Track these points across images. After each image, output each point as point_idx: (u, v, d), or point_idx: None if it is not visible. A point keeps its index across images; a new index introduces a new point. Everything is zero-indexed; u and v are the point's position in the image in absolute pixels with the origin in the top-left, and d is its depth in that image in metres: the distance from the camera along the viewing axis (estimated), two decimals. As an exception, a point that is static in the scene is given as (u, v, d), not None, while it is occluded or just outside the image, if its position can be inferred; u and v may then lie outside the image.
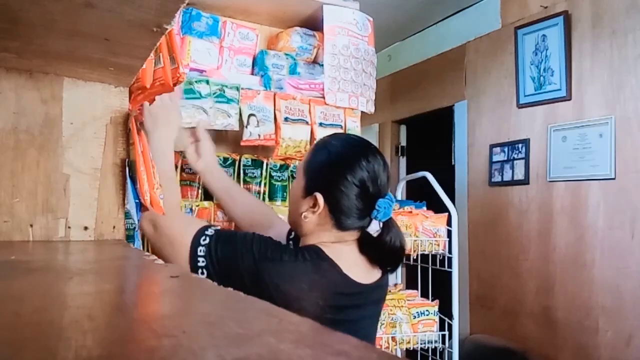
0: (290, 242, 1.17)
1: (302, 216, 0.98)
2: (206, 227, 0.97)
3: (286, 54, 1.63)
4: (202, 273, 0.91)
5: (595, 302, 2.16)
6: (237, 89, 1.46)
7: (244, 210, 1.32)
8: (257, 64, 1.61)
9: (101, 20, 0.64)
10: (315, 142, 1.06)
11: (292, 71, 1.64)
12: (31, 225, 0.88)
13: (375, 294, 1.03)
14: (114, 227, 0.97)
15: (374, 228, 1.02)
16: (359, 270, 0.98)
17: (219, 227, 1.00)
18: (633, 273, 2.03)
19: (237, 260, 0.92)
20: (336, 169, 0.96)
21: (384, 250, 0.99)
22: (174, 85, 0.92)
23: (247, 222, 1.29)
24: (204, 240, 0.93)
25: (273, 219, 1.31)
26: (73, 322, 0.35)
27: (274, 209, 1.56)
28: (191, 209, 1.41)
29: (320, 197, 0.96)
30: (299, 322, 0.34)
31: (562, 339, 2.30)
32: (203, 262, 0.91)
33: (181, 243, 0.93)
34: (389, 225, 1.00)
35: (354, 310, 0.98)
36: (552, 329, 2.35)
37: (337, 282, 0.94)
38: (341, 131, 1.63)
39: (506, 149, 2.67)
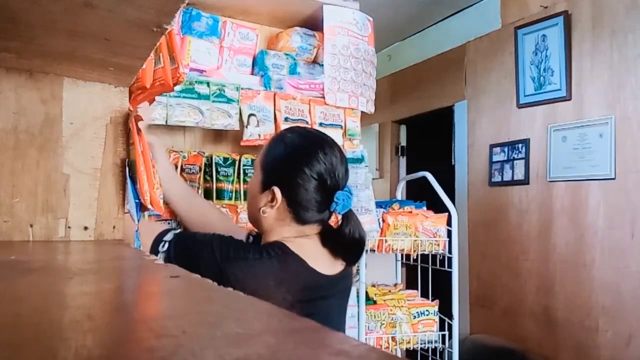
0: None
1: (261, 211, 0.98)
2: (164, 232, 0.97)
3: (286, 54, 1.63)
4: None
5: (595, 302, 2.16)
6: (237, 89, 1.46)
7: (199, 216, 1.26)
8: (257, 64, 1.61)
9: (101, 20, 0.64)
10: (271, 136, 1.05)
11: (292, 71, 1.64)
12: (31, 225, 0.88)
13: (341, 284, 1.04)
14: (114, 227, 0.97)
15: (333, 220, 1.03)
16: (322, 262, 0.98)
17: (179, 230, 0.99)
18: (633, 273, 2.03)
19: (199, 263, 0.92)
20: (293, 162, 0.96)
21: (344, 242, 0.99)
22: (174, 85, 0.92)
23: (202, 228, 1.23)
24: (162, 247, 0.94)
25: (229, 226, 1.27)
26: (73, 322, 0.35)
27: (274, 209, 1.56)
28: (191, 209, 1.42)
29: (277, 191, 0.96)
30: (298, 322, 0.34)
31: (562, 339, 2.30)
32: (163, 257, 0.91)
33: (144, 245, 0.95)
34: (348, 217, 0.99)
35: (321, 302, 0.98)
36: (552, 329, 2.35)
37: (304, 276, 0.94)
38: (341, 131, 1.63)
39: (506, 149, 2.67)
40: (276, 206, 0.97)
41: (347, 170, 1.01)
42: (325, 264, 0.98)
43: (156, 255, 0.92)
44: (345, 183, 1.00)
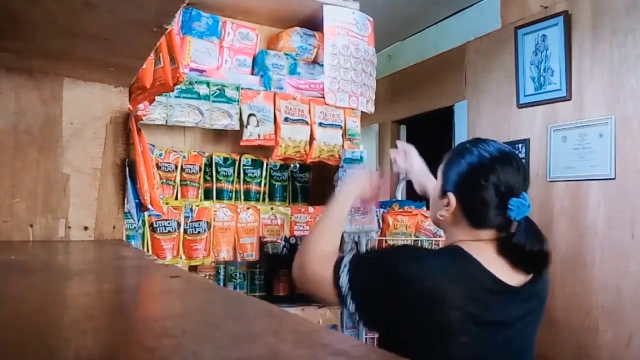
0: None
1: (438, 215, 1.05)
2: (342, 257, 1.00)
3: (286, 54, 1.63)
4: (347, 298, 0.94)
5: (595, 302, 2.16)
6: (237, 89, 1.46)
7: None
8: (257, 64, 1.61)
9: (101, 20, 0.64)
10: (454, 147, 1.12)
11: (292, 71, 1.64)
12: (31, 225, 0.88)
13: (527, 298, 0.99)
14: (114, 227, 0.97)
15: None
16: (500, 268, 0.97)
17: (352, 255, 1.01)
18: (633, 273, 2.03)
19: (378, 271, 0.95)
20: (469, 172, 1.01)
21: (518, 251, 0.98)
22: (174, 85, 0.92)
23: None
24: (344, 268, 0.96)
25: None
26: (73, 322, 0.35)
27: (274, 209, 1.56)
28: (191, 209, 1.42)
29: (452, 197, 1.02)
30: (299, 322, 0.34)
31: (562, 339, 2.30)
32: (347, 286, 0.94)
33: (324, 277, 0.97)
34: (521, 226, 0.99)
35: (501, 311, 0.95)
36: (552, 329, 2.34)
37: (477, 275, 0.94)
38: (341, 131, 1.63)
39: (506, 149, 2.67)
40: (451, 210, 1.02)
41: (525, 180, 1.03)
42: (503, 271, 0.96)
43: (338, 275, 0.97)
44: (523, 191, 1.00)
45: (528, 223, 0.99)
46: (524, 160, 2.56)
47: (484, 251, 0.98)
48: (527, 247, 0.97)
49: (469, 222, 1.01)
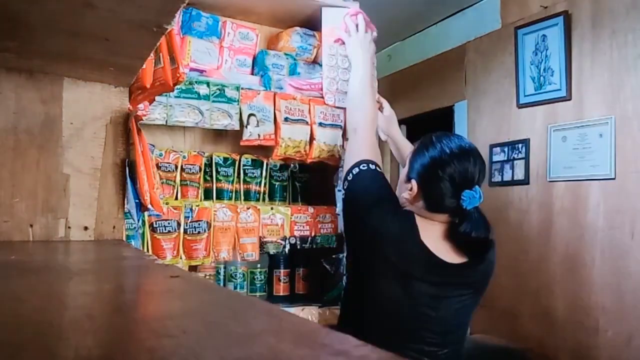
0: None
1: (402, 196, 1.24)
2: (361, 162, 1.27)
3: (286, 54, 1.62)
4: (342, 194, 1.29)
5: (595, 302, 2.16)
6: (237, 88, 1.46)
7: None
8: (257, 64, 1.61)
9: (101, 20, 0.64)
10: (421, 138, 1.30)
11: (292, 71, 1.64)
12: (31, 225, 0.88)
13: (459, 274, 1.16)
14: (114, 227, 0.97)
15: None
16: (437, 244, 1.15)
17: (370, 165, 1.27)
18: (633, 273, 2.03)
19: (361, 198, 1.23)
20: (431, 164, 1.18)
21: (459, 237, 1.15)
22: (174, 85, 0.92)
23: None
24: (355, 170, 1.26)
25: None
26: (73, 322, 0.35)
27: (274, 209, 1.56)
28: (191, 209, 1.42)
29: (414, 184, 1.20)
30: (299, 322, 0.34)
31: (562, 339, 2.30)
32: (345, 185, 1.26)
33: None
34: (466, 216, 1.15)
35: (419, 270, 1.14)
36: (552, 329, 2.34)
37: (410, 236, 1.15)
38: (341, 131, 1.63)
39: (506, 149, 2.67)
40: (413, 195, 1.21)
41: (480, 174, 1.18)
42: (441, 249, 1.14)
43: (348, 173, 1.29)
44: (477, 185, 1.17)
45: (477, 213, 1.16)
46: (524, 161, 2.56)
47: (429, 228, 1.17)
48: (472, 234, 1.14)
49: (426, 205, 1.19)
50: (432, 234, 1.16)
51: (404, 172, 1.28)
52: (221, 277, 1.63)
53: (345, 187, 1.28)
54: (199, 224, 1.42)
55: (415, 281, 1.13)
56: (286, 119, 1.52)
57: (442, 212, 1.18)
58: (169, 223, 1.37)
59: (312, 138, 1.56)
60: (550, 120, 2.43)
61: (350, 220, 1.28)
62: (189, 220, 1.41)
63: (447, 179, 1.15)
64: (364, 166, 1.26)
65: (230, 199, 1.58)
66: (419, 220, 1.16)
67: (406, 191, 1.22)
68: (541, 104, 2.47)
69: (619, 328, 2.06)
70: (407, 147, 1.63)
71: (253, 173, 1.62)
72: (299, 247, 1.58)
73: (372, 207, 1.19)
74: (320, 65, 1.66)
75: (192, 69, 1.44)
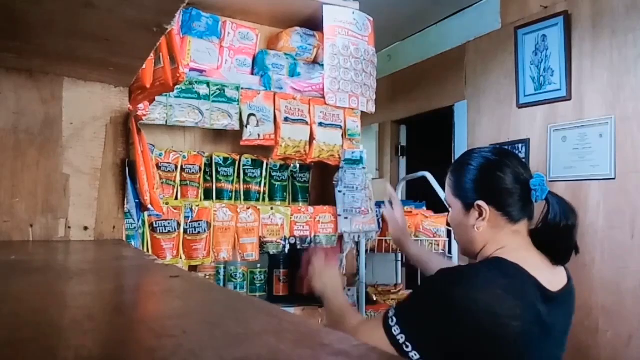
0: None
1: (475, 228, 1.02)
2: (387, 314, 0.97)
3: (286, 54, 1.63)
4: (408, 347, 0.89)
5: (595, 302, 2.16)
6: (237, 88, 1.46)
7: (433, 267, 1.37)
8: (257, 64, 1.61)
9: (101, 20, 0.64)
10: (451, 167, 1.14)
11: (292, 71, 1.64)
12: (31, 225, 0.88)
13: (563, 303, 0.99)
14: (114, 227, 0.97)
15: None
16: (542, 272, 0.96)
17: (395, 309, 0.98)
18: (633, 273, 2.03)
19: (427, 309, 0.92)
20: (484, 172, 1.03)
21: (551, 233, 1.01)
22: (174, 85, 0.92)
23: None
24: (392, 321, 0.93)
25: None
26: (73, 322, 0.35)
27: (274, 209, 1.56)
28: (191, 209, 1.42)
29: (482, 203, 1.01)
30: (299, 322, 0.34)
31: (562, 339, 2.29)
32: (401, 336, 0.90)
33: (376, 341, 0.92)
34: (555, 201, 1.03)
35: (548, 316, 0.93)
36: (552, 329, 2.34)
37: (526, 279, 0.93)
38: (341, 131, 1.63)
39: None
40: (486, 217, 1.01)
41: (527, 165, 1.07)
42: (544, 274, 0.96)
43: (389, 329, 0.92)
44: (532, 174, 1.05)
45: (555, 197, 1.04)
46: (524, 160, 2.56)
47: (524, 254, 0.98)
48: (562, 222, 1.00)
49: (507, 217, 1.01)
50: (529, 256, 0.99)
51: (455, 210, 1.08)
52: (221, 277, 1.63)
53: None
54: (199, 224, 1.42)
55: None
56: (286, 119, 1.52)
57: (524, 216, 1.03)
58: (169, 223, 1.37)
59: (312, 138, 1.56)
60: (550, 120, 2.43)
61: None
62: (189, 220, 1.41)
63: (509, 176, 1.01)
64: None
65: (230, 199, 1.58)
66: (509, 256, 0.96)
67: (476, 221, 1.02)
68: (541, 104, 2.47)
69: (619, 328, 2.06)
70: (424, 254, 1.46)
71: (253, 173, 1.62)
72: (299, 247, 1.58)
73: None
74: (321, 65, 1.66)
75: (192, 69, 1.44)
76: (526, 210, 1.03)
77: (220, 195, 1.56)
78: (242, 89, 1.47)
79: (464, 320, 0.86)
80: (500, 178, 1.01)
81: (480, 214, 1.02)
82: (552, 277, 0.97)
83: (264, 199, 1.65)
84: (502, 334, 0.86)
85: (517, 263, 0.94)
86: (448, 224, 1.95)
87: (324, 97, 1.59)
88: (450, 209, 1.10)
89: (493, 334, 0.86)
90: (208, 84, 1.42)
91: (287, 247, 1.56)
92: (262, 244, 1.53)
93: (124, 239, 1.01)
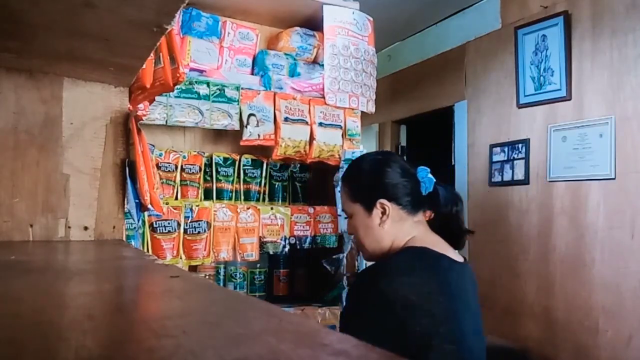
0: None
1: (381, 227, 1.08)
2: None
3: (286, 54, 1.62)
4: None
5: (595, 302, 2.16)
6: (237, 88, 1.46)
7: None
8: (257, 64, 1.61)
9: (101, 20, 0.64)
10: (341, 180, 1.19)
11: (292, 71, 1.64)
12: (31, 225, 0.88)
13: (470, 276, 1.08)
14: (114, 227, 0.97)
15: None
16: (449, 251, 1.05)
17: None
18: (633, 273, 2.03)
19: (363, 310, 0.97)
20: (375, 171, 1.10)
21: (444, 220, 1.10)
22: (174, 85, 0.92)
23: None
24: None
25: None
26: (73, 322, 0.35)
27: (274, 209, 1.56)
28: (191, 209, 1.42)
29: (383, 201, 1.07)
30: (299, 322, 0.34)
31: (562, 339, 2.30)
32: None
33: None
34: (438, 192, 1.10)
35: (457, 286, 1.01)
36: (552, 329, 2.34)
37: (440, 259, 1.01)
38: (341, 131, 1.63)
39: (506, 149, 2.67)
40: (390, 213, 1.07)
41: (409, 165, 1.15)
42: (450, 251, 1.05)
43: None
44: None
45: (442, 187, 1.11)
46: (524, 161, 2.56)
47: (431, 238, 1.07)
48: (453, 208, 1.10)
49: (406, 210, 1.08)
50: (435, 239, 1.08)
51: (358, 216, 1.11)
52: (221, 277, 1.63)
53: None
54: (199, 224, 1.42)
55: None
56: (286, 119, 1.52)
57: (422, 207, 1.10)
58: (169, 223, 1.37)
59: (312, 138, 1.56)
60: (550, 120, 2.43)
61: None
62: (189, 220, 1.41)
63: (397, 169, 1.09)
64: None
65: (230, 199, 1.58)
66: (420, 242, 1.04)
67: (381, 220, 1.07)
68: (541, 104, 2.47)
69: (619, 328, 2.06)
70: None
71: (253, 173, 1.62)
72: (298, 247, 1.58)
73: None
74: (321, 65, 1.66)
75: (192, 69, 1.44)
76: (421, 202, 1.10)
77: (220, 195, 1.56)
78: (242, 89, 1.47)
79: (397, 307, 0.92)
80: (393, 173, 1.08)
81: (384, 212, 1.07)
82: (455, 256, 1.06)
83: (264, 199, 1.65)
84: (434, 310, 0.93)
85: (426, 246, 1.02)
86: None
87: (324, 97, 1.59)
88: (348, 219, 1.15)
89: (426, 311, 0.92)
90: (208, 84, 1.42)
91: (287, 247, 1.56)
92: (262, 244, 1.53)
93: (124, 239, 1.01)
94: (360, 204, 1.10)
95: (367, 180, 1.11)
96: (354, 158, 1.64)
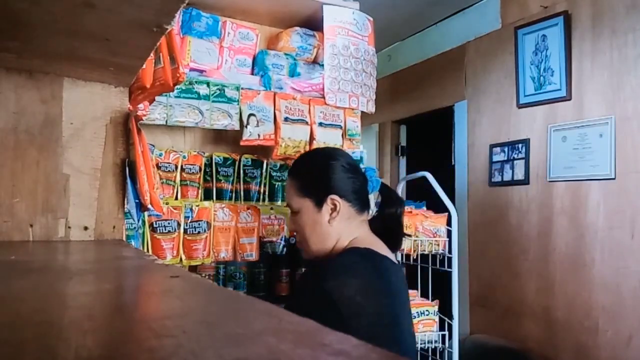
0: None
1: (330, 223, 1.05)
2: None
3: (286, 54, 1.62)
4: None
5: (595, 302, 2.16)
6: (237, 88, 1.46)
7: None
8: (257, 64, 1.61)
9: (101, 20, 0.64)
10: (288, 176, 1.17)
11: (292, 71, 1.64)
12: (31, 225, 0.88)
13: (403, 276, 1.10)
14: (114, 227, 0.97)
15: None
16: (388, 253, 1.06)
17: None
18: (633, 273, 2.03)
19: (310, 313, 0.99)
20: (329, 167, 1.07)
21: (387, 221, 1.11)
22: (174, 85, 0.92)
23: None
24: None
25: None
26: (73, 322, 0.35)
27: (274, 209, 1.56)
28: (191, 209, 1.41)
29: (334, 197, 1.05)
30: (299, 322, 0.34)
31: (562, 339, 2.30)
32: None
33: None
34: (384, 193, 1.11)
35: (397, 284, 1.03)
36: (552, 329, 2.34)
37: (383, 261, 1.02)
38: (341, 131, 1.63)
39: (506, 149, 2.67)
40: (340, 209, 1.05)
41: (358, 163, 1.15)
42: (388, 253, 1.06)
43: None
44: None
45: (387, 188, 1.12)
46: (524, 161, 2.56)
47: (372, 240, 1.06)
48: (397, 210, 1.10)
49: (355, 208, 1.07)
50: (377, 241, 1.07)
51: (306, 210, 1.08)
52: (221, 277, 1.62)
53: None
54: (199, 224, 1.42)
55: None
56: (286, 119, 1.52)
57: (367, 206, 1.08)
58: (169, 223, 1.37)
59: (312, 138, 1.56)
60: (550, 120, 2.43)
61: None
62: (189, 220, 1.41)
63: (348, 167, 1.07)
64: None
65: (230, 199, 1.58)
66: (362, 243, 1.04)
67: (330, 216, 1.05)
68: (541, 104, 2.48)
69: (619, 328, 2.06)
70: None
71: (253, 173, 1.62)
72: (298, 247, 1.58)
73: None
74: (321, 65, 1.66)
75: (192, 69, 1.44)
76: (368, 202, 1.10)
77: (220, 195, 1.56)
78: (242, 89, 1.47)
79: (342, 307, 0.91)
80: (344, 170, 1.06)
81: (334, 208, 1.05)
82: (393, 258, 1.08)
83: (263, 199, 1.65)
84: (379, 310, 0.94)
85: (369, 248, 1.02)
86: (448, 224, 1.95)
87: (324, 97, 1.59)
88: (292, 215, 1.12)
89: (371, 312, 0.93)
90: (208, 84, 1.42)
91: (287, 247, 1.56)
92: (262, 244, 1.52)
93: (124, 239, 1.01)
94: (310, 199, 1.07)
95: (318, 175, 1.08)
96: (354, 158, 1.64)
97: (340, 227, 1.06)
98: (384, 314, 0.94)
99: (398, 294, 1.02)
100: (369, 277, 0.96)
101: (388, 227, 1.11)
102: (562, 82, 2.36)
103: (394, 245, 1.11)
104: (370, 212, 1.11)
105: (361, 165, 1.24)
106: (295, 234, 1.15)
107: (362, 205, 1.08)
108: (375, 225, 1.11)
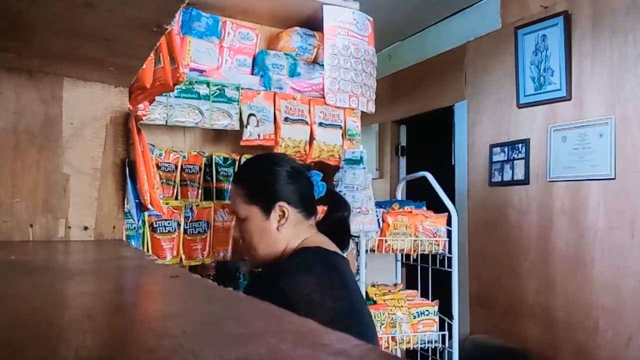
0: None
1: (279, 230, 1.05)
2: None
3: (286, 54, 1.62)
4: None
5: (595, 302, 2.16)
6: (237, 88, 1.46)
7: None
8: (257, 64, 1.61)
9: (101, 20, 0.64)
10: (231, 185, 1.17)
11: (292, 71, 1.64)
12: (31, 225, 0.88)
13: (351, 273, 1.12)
14: (114, 227, 0.97)
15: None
16: (337, 250, 1.09)
17: None
18: (633, 273, 2.03)
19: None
20: (276, 173, 1.07)
21: (335, 224, 1.14)
22: (174, 85, 0.92)
23: None
24: None
25: None
26: (73, 322, 0.35)
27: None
28: (191, 209, 1.42)
29: (283, 204, 1.05)
30: (299, 322, 0.34)
31: (562, 339, 2.30)
32: None
33: None
34: (331, 196, 1.14)
35: (347, 278, 1.06)
36: (552, 329, 2.34)
37: (333, 257, 1.05)
38: (341, 131, 1.63)
39: (506, 149, 2.67)
40: (288, 216, 1.05)
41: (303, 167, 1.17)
42: (337, 250, 1.09)
43: None
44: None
45: (333, 192, 1.15)
46: (524, 161, 2.56)
47: (322, 239, 1.08)
48: (344, 212, 1.13)
49: (303, 213, 1.08)
50: (327, 239, 1.09)
51: (254, 217, 1.07)
52: (221, 277, 1.62)
53: None
54: (199, 224, 1.42)
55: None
56: (286, 119, 1.52)
57: (314, 211, 1.10)
58: (169, 223, 1.37)
59: (312, 138, 1.56)
60: (550, 120, 2.43)
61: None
62: (189, 220, 1.41)
63: (294, 173, 1.07)
64: None
65: (230, 199, 1.58)
66: (313, 243, 1.05)
67: (279, 223, 1.05)
68: (541, 104, 2.48)
69: (619, 328, 2.06)
70: None
71: (241, 221, 1.62)
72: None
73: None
74: (321, 65, 1.66)
75: (192, 69, 1.44)
76: (314, 206, 1.11)
77: (220, 195, 1.56)
78: (242, 89, 1.47)
79: (300, 306, 0.91)
80: (290, 176, 1.07)
81: (282, 215, 1.05)
82: (340, 253, 1.11)
83: (264, 199, 1.65)
84: (337, 304, 0.95)
85: (320, 246, 1.04)
86: (448, 224, 1.95)
87: (324, 97, 1.59)
88: (238, 222, 1.11)
89: (329, 307, 0.94)
90: (208, 84, 1.42)
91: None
92: (262, 244, 1.52)
93: (124, 239, 1.01)
94: (258, 206, 1.06)
95: (265, 183, 1.08)
96: (354, 158, 1.64)
97: (289, 233, 1.06)
98: (343, 306, 0.96)
99: (355, 287, 1.06)
100: (322, 273, 0.98)
101: (336, 230, 1.14)
102: (562, 82, 2.36)
103: (342, 247, 1.14)
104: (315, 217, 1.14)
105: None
106: (240, 241, 1.14)
107: (309, 210, 1.09)
108: (323, 228, 1.13)
